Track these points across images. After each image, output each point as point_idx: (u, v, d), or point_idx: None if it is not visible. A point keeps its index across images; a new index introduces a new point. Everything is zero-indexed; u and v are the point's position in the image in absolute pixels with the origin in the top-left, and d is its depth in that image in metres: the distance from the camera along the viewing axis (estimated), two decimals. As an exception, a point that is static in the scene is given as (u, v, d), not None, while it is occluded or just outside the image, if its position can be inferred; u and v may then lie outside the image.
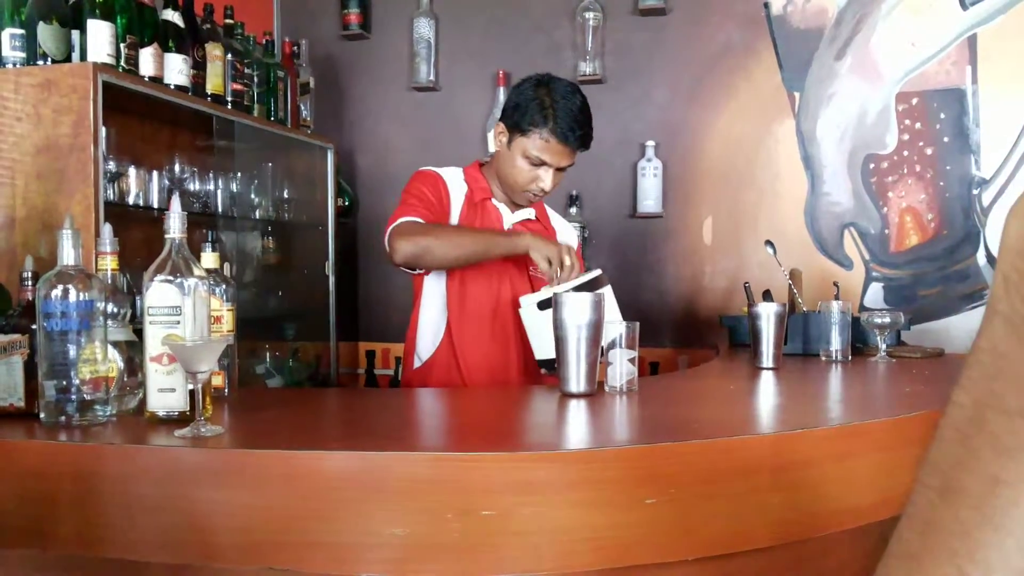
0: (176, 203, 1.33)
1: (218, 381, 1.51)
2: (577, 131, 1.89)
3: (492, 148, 3.17)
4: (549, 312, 1.56)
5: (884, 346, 2.16)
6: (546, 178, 1.94)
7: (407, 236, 1.84)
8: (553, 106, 1.89)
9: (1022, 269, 0.33)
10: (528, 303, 1.83)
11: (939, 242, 2.87)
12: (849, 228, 2.95)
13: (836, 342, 2.12)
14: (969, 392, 0.33)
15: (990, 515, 0.31)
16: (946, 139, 2.85)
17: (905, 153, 2.89)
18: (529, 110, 1.90)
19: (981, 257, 2.82)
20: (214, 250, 1.56)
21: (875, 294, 2.93)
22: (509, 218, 2.07)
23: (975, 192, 2.82)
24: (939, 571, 0.32)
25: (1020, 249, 0.34)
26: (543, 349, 1.83)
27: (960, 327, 2.83)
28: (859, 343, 2.24)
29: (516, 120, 1.92)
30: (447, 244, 1.85)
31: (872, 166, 2.92)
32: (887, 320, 2.14)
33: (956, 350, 2.63)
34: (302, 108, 3.10)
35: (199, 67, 2.48)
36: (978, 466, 0.32)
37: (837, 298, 2.21)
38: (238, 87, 2.67)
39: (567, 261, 1.79)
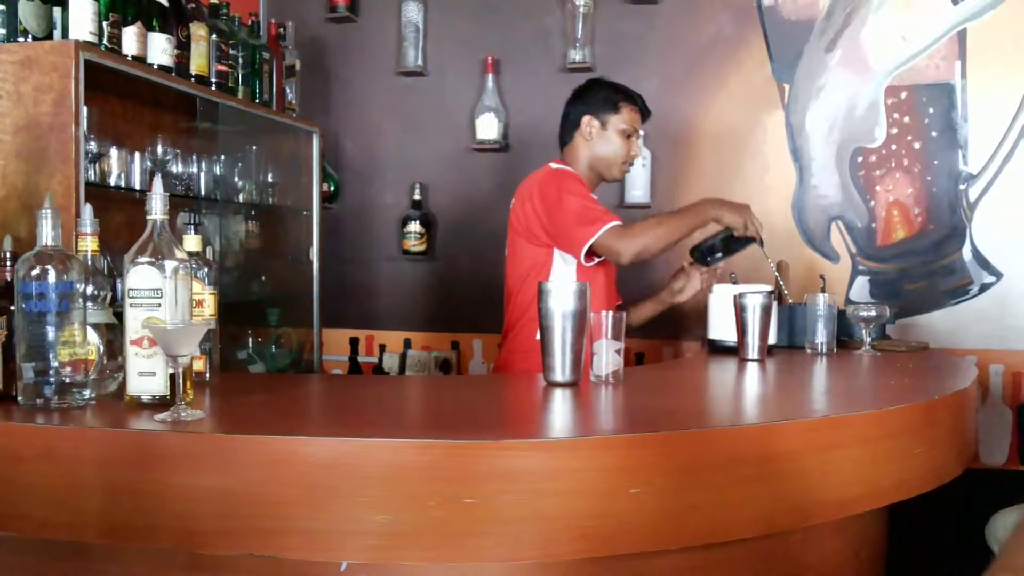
0: (158, 184, 1.31)
1: (199, 366, 1.49)
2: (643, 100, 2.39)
3: (481, 135, 3.16)
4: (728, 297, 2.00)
5: (869, 339, 2.16)
6: (637, 146, 2.37)
7: (628, 238, 2.14)
8: (623, 89, 2.37)
9: None
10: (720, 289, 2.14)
11: (925, 236, 2.87)
12: (836, 221, 2.95)
13: (821, 334, 2.12)
14: None
15: None
16: (934, 134, 2.86)
17: (893, 147, 2.89)
18: (611, 95, 2.35)
19: (967, 252, 2.83)
20: (196, 233, 1.54)
21: (861, 287, 2.93)
22: None
23: (962, 187, 2.83)
24: None
25: None
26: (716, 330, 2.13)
27: (945, 322, 2.84)
28: (844, 336, 2.24)
29: (606, 105, 2.33)
30: (660, 238, 2.16)
31: (860, 159, 2.92)
32: (872, 313, 2.15)
33: (941, 344, 2.65)
34: (287, 91, 3.07)
35: (183, 47, 2.44)
36: None
37: (823, 291, 2.21)
38: (222, 68, 2.63)
39: (754, 222, 2.17)
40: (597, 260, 2.24)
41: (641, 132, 2.41)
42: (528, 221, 2.24)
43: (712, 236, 2.28)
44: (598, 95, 2.36)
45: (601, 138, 2.34)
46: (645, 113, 2.39)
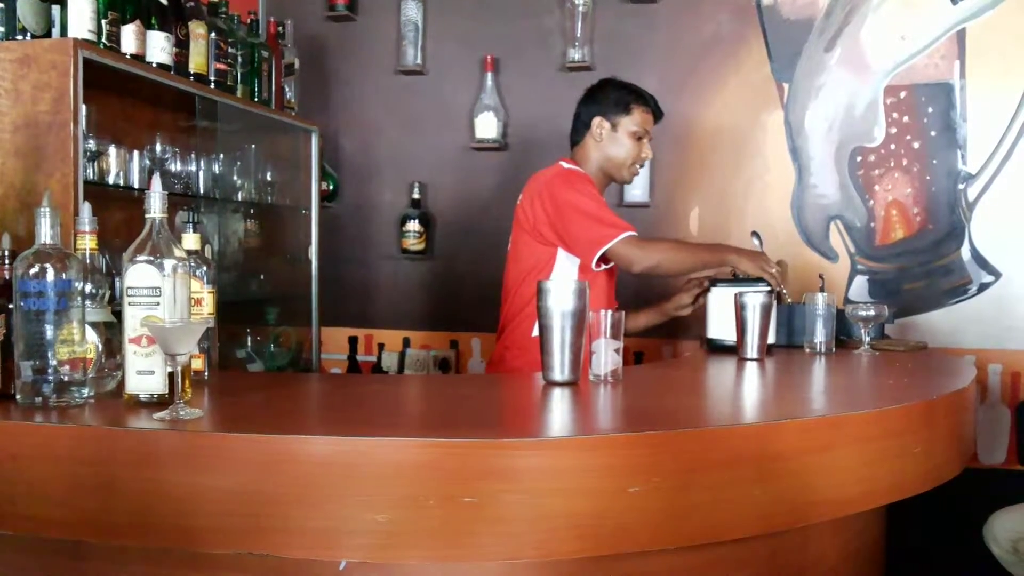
0: (157, 183, 1.31)
1: (198, 364, 1.49)
2: (655, 102, 2.38)
3: (480, 134, 3.16)
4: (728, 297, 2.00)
5: (868, 339, 2.17)
6: (647, 148, 2.35)
7: (644, 249, 2.18)
8: (636, 90, 2.36)
9: None
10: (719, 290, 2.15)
11: (924, 236, 2.88)
12: (835, 220, 2.96)
13: (820, 334, 2.12)
14: None
15: None
16: (933, 133, 2.86)
17: (892, 147, 2.90)
18: (623, 96, 2.33)
19: (965, 252, 2.83)
20: (195, 231, 1.54)
21: (860, 287, 2.94)
22: None
23: (961, 187, 2.83)
24: None
25: None
26: (715, 329, 2.14)
27: (943, 321, 2.84)
28: (843, 335, 2.24)
29: (618, 107, 2.32)
30: (675, 261, 2.23)
31: (859, 159, 2.93)
32: (871, 313, 2.15)
33: (939, 344, 2.65)
34: (286, 89, 3.07)
35: (182, 45, 2.44)
36: None
37: (822, 290, 2.21)
38: (221, 67, 2.63)
39: (771, 269, 2.13)
40: (605, 267, 2.25)
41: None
42: (536, 219, 2.24)
43: (734, 278, 2.22)
44: (610, 96, 2.35)
45: (611, 140, 2.33)
46: (657, 114, 2.38)
